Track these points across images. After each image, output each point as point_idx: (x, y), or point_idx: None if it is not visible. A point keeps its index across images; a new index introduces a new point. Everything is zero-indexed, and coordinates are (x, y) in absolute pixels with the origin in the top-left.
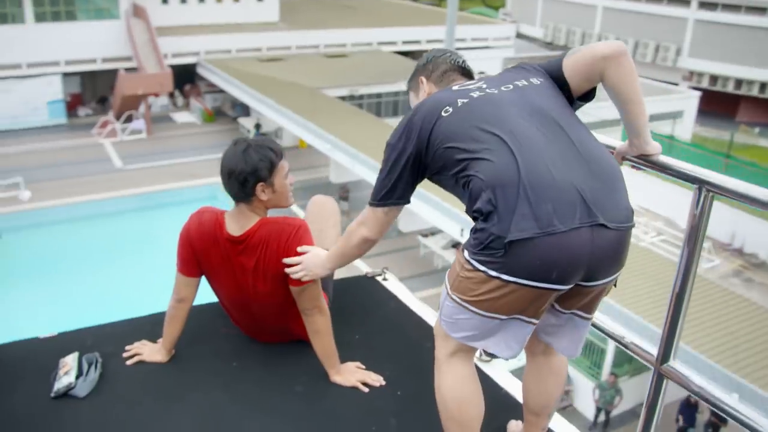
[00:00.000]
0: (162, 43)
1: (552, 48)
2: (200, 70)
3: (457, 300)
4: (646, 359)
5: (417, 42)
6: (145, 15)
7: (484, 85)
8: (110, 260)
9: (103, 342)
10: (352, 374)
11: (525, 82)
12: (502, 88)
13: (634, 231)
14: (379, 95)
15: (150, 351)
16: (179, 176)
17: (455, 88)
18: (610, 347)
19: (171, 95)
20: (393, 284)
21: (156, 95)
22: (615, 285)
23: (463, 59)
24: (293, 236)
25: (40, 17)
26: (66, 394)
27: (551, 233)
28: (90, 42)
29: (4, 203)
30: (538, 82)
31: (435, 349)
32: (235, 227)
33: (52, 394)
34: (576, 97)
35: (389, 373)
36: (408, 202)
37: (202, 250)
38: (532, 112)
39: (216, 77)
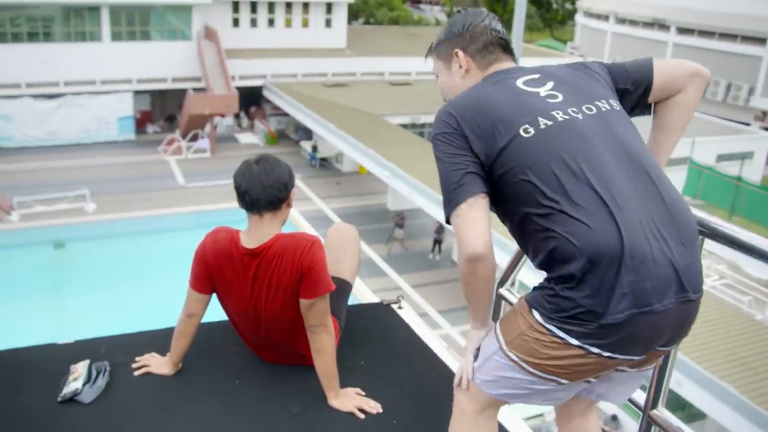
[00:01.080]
0: (230, 65)
1: None
2: (266, 93)
3: (515, 359)
4: (635, 404)
5: None
6: (216, 37)
7: (560, 96)
8: (164, 274)
9: (115, 351)
10: (349, 399)
11: (607, 106)
12: (585, 110)
13: None
14: None
15: (158, 363)
16: None
17: (522, 85)
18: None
19: (236, 116)
20: (408, 313)
21: (222, 116)
22: None
23: (502, 27)
24: (307, 250)
25: (116, 36)
26: (72, 399)
27: (648, 312)
28: (162, 62)
29: (71, 214)
30: (618, 108)
31: (459, 398)
32: (251, 241)
33: (59, 399)
34: (647, 104)
35: (387, 401)
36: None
37: (216, 266)
38: (622, 155)
39: (281, 100)
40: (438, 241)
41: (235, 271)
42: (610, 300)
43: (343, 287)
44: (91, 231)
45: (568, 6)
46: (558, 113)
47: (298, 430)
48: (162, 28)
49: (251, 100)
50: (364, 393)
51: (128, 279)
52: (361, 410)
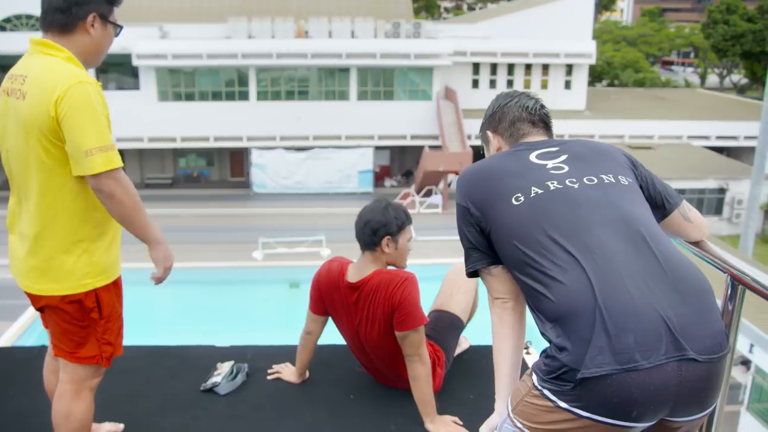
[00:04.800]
0: (467, 124)
1: None
2: None
3: (519, 425)
4: None
5: (734, 138)
6: (455, 98)
7: (565, 168)
8: None
9: (258, 358)
10: (444, 426)
11: (612, 179)
12: (585, 181)
13: None
14: (682, 191)
15: (288, 372)
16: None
17: (533, 158)
18: None
19: None
20: (533, 359)
21: (456, 173)
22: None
23: (536, 102)
24: (399, 286)
25: (362, 96)
26: (211, 389)
27: (632, 370)
28: (402, 120)
29: (308, 257)
30: (626, 183)
31: None
32: (354, 275)
33: (201, 388)
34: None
35: None
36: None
37: (326, 292)
38: (614, 219)
39: None
40: None
41: (341, 299)
42: (586, 353)
43: (453, 322)
44: None
45: None
46: (552, 182)
47: None
48: (404, 88)
49: None
50: (461, 423)
51: None
52: None
